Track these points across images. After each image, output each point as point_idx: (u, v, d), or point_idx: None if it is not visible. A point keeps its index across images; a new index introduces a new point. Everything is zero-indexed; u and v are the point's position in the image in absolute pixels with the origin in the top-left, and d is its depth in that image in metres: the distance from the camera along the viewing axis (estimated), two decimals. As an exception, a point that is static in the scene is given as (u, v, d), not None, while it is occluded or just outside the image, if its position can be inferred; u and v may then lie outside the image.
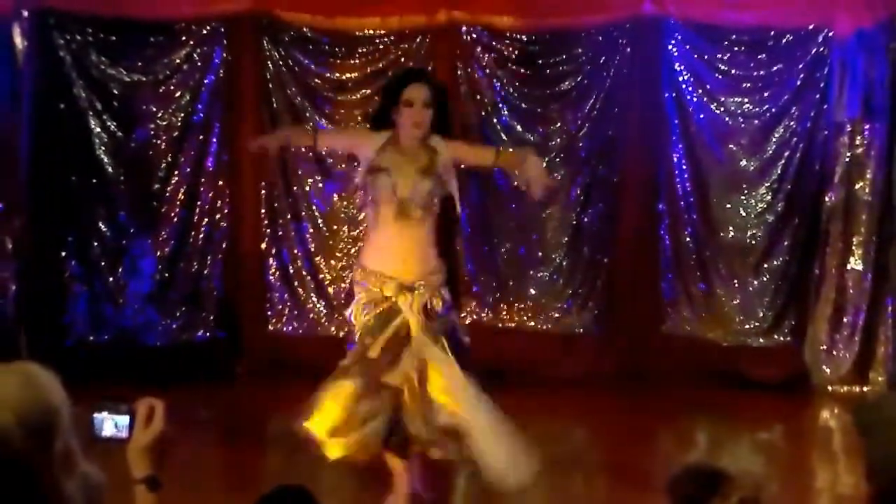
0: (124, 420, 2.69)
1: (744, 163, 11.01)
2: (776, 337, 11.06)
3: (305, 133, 6.71)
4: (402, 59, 10.91)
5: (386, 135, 6.62)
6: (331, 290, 10.95)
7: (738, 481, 3.27)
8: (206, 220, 10.82)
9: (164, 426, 2.69)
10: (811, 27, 10.88)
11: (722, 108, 11.02)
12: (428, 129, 6.47)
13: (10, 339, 9.50)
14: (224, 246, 10.90)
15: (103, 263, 10.56)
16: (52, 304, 10.38)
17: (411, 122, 6.40)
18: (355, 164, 7.00)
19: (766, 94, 11.01)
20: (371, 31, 10.90)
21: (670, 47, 10.99)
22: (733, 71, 11.01)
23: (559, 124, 11.06)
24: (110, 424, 2.70)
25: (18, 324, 9.69)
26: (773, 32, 10.91)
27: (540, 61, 11.03)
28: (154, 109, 10.65)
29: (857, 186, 10.71)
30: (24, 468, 2.24)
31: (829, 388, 10.78)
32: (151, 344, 10.64)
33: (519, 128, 11.03)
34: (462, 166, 7.09)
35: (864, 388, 10.66)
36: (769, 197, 10.99)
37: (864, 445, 3.20)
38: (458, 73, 10.98)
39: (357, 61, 10.95)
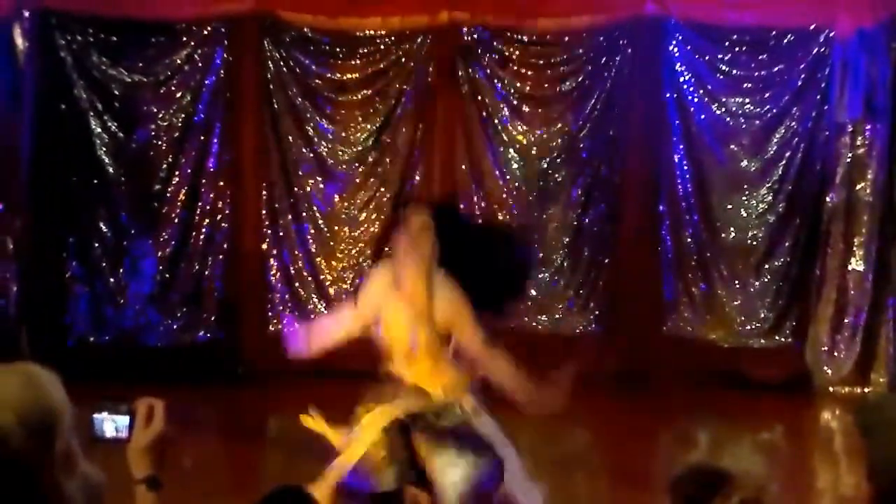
0: (124, 420, 2.69)
1: (745, 163, 11.00)
2: (777, 338, 11.06)
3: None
4: (403, 60, 10.91)
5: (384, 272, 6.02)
6: (332, 290, 10.95)
7: (740, 482, 3.27)
8: (207, 220, 10.82)
9: (165, 426, 2.69)
10: (812, 27, 10.87)
11: (723, 109, 11.01)
12: (426, 255, 5.74)
13: (11, 339, 9.50)
14: (225, 246, 10.90)
15: (104, 264, 10.56)
16: (53, 305, 10.38)
17: (405, 250, 5.76)
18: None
19: (767, 95, 11.01)
20: (372, 32, 10.90)
21: (671, 48, 10.99)
22: (734, 71, 11.01)
23: (560, 125, 11.06)
24: (110, 425, 2.69)
25: (20, 324, 9.69)
26: (774, 32, 10.91)
27: (541, 62, 11.03)
28: (155, 110, 10.65)
29: (858, 187, 10.70)
30: (24, 468, 2.24)
31: (831, 388, 10.78)
32: (152, 344, 10.65)
33: (520, 128, 11.03)
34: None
35: (866, 389, 10.66)
36: (770, 197, 10.99)
37: (865, 446, 3.20)
38: (459, 73, 10.98)
39: (358, 62, 10.95)
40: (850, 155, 10.71)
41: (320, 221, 10.96)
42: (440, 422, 6.20)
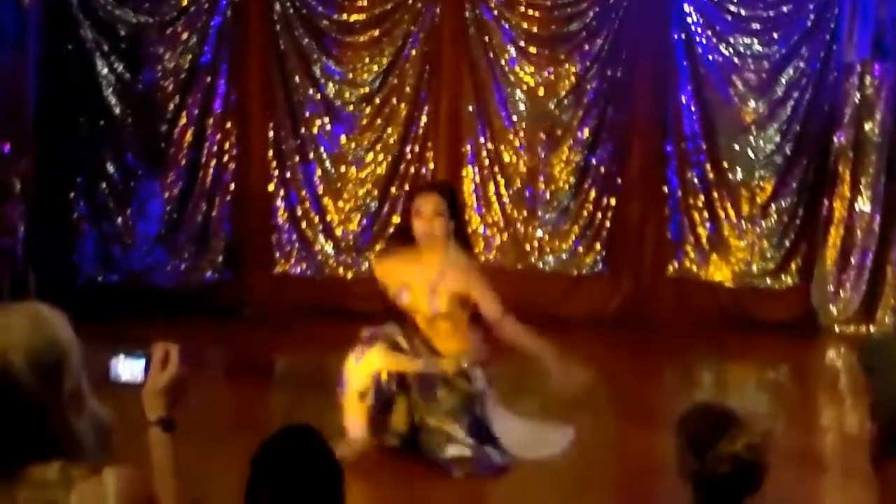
0: (140, 364, 2.73)
1: (752, 104, 10.97)
2: (783, 278, 11.08)
3: None
4: (411, 1, 10.86)
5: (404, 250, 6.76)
6: (338, 231, 10.97)
7: (747, 425, 3.29)
8: (214, 161, 10.82)
9: (180, 370, 2.72)
10: (821, -34, 10.81)
11: (731, 50, 10.96)
12: (443, 234, 6.52)
13: (19, 279, 9.52)
14: (232, 188, 10.91)
15: (111, 205, 10.57)
16: (61, 245, 10.40)
17: (421, 232, 6.52)
18: None
19: (775, 35, 10.96)
20: (379, -28, 10.85)
21: (679, -13, 10.93)
22: (742, 11, 10.95)
23: (567, 66, 11.02)
24: (126, 368, 2.73)
25: (27, 264, 9.71)
26: (782, -28, 10.85)
27: (548, 2, 10.98)
28: (161, 51, 10.61)
29: (866, 127, 10.67)
30: (34, 408, 2.26)
31: (836, 328, 10.81)
32: (160, 285, 10.68)
33: (527, 69, 10.99)
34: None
35: (871, 329, 10.69)
36: (777, 138, 10.96)
37: (869, 385, 3.22)
38: (467, 14, 10.94)
39: (365, 2, 10.89)
40: (858, 95, 10.66)
41: (327, 162, 10.96)
42: (451, 391, 6.42)
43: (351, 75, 10.94)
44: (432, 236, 6.49)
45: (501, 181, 11.09)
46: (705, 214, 11.06)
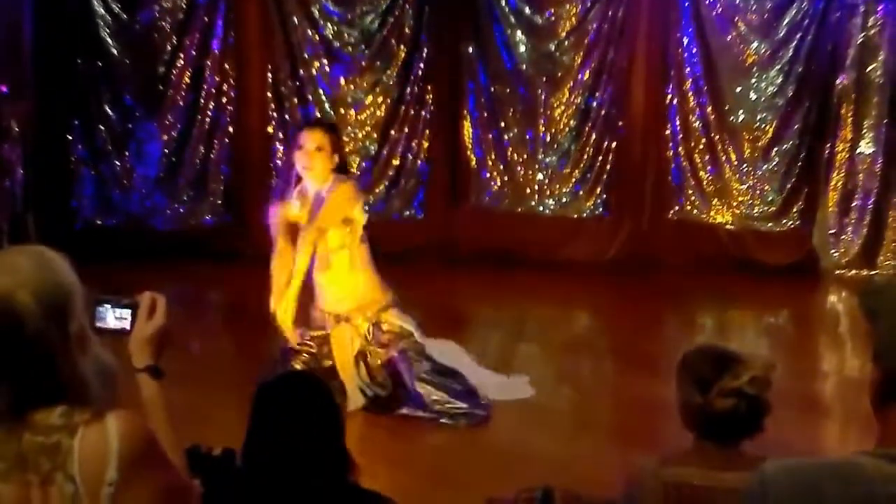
0: (126, 312, 2.74)
1: (755, 45, 10.88)
2: (785, 221, 11.06)
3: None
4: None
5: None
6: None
7: (749, 361, 3.30)
8: (212, 103, 10.77)
9: (166, 320, 2.73)
10: None
11: (733, -11, 10.88)
12: (324, 168, 6.62)
13: (18, 222, 9.51)
14: (230, 130, 10.87)
15: (110, 147, 10.53)
16: (59, 188, 10.38)
17: (301, 166, 6.67)
18: None
19: (777, -26, 10.87)
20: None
21: (682, -74, 10.83)
22: (745, -49, 10.85)
23: (568, 6, 10.92)
24: (113, 316, 2.74)
25: (26, 207, 9.69)
26: None
27: (549, -58, 10.89)
28: (158, -10, 10.54)
29: (868, 69, 10.61)
30: (41, 348, 2.26)
31: (837, 271, 10.82)
32: (159, 228, 10.67)
33: (528, 10, 10.91)
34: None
35: (872, 272, 10.69)
36: (780, 80, 10.89)
37: (870, 329, 3.21)
38: (466, -47, 10.86)
39: (362, -58, 10.81)
40: (860, 36, 10.59)
41: (326, 104, 10.90)
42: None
43: (349, 16, 10.86)
44: (311, 169, 6.60)
45: (501, 124, 11.04)
46: (707, 157, 11.01)
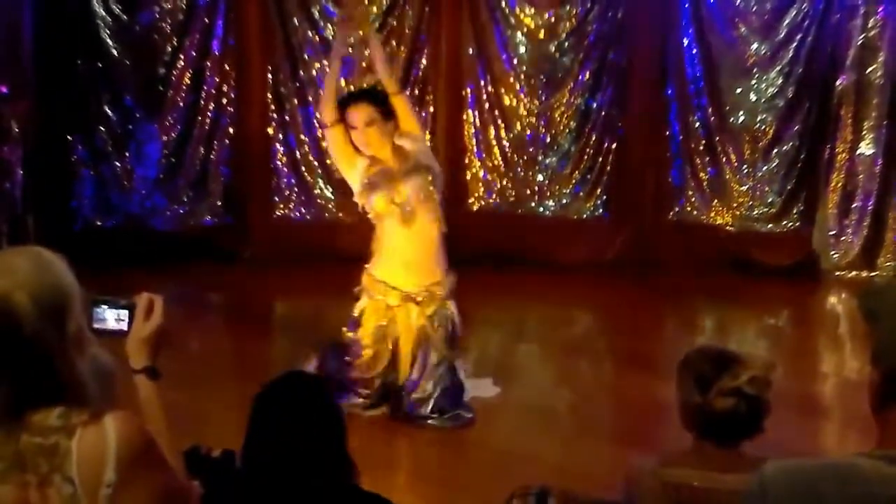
0: (124, 313, 2.74)
1: (755, 46, 10.87)
2: (785, 222, 11.05)
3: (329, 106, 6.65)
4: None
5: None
6: (337, 175, 10.91)
7: (749, 362, 3.31)
8: (213, 104, 10.76)
9: (163, 321, 2.73)
10: None
11: (733, -10, 10.87)
12: (382, 139, 6.54)
13: (17, 222, 9.50)
14: (231, 131, 10.86)
15: (110, 148, 10.52)
16: (59, 189, 10.37)
17: (361, 144, 6.54)
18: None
19: (777, -25, 10.86)
20: None
21: (682, -74, 10.82)
22: (745, -48, 10.85)
23: (568, 7, 10.91)
24: (111, 317, 2.74)
25: (26, 208, 9.68)
26: None
27: (548, -58, 10.88)
28: (158, -9, 10.53)
29: (868, 70, 10.60)
30: (39, 349, 2.26)
31: (837, 273, 10.80)
32: (159, 229, 10.66)
33: (528, 11, 10.90)
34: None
35: (872, 274, 10.68)
36: (780, 81, 10.87)
37: (870, 330, 3.22)
38: (467, -46, 10.86)
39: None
40: (861, 37, 10.58)
41: (326, 105, 10.88)
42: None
43: (350, 17, 10.83)
44: (370, 145, 6.50)
45: (501, 125, 11.04)
46: (707, 158, 11.01)
